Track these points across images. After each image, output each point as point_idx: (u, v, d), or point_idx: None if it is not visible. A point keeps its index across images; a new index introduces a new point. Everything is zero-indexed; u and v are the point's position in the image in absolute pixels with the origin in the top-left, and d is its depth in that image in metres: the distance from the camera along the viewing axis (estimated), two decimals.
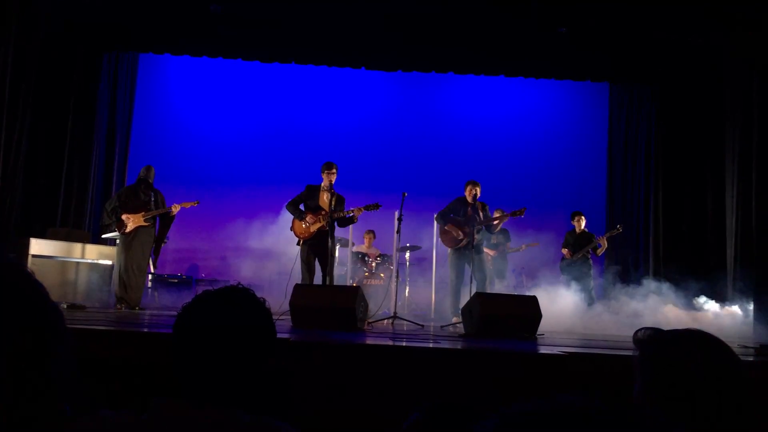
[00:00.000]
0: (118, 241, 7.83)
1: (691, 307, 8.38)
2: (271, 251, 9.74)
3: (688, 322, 7.64)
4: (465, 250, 7.70)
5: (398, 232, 7.33)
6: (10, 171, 8.59)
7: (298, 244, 7.39)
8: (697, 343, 1.43)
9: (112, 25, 9.33)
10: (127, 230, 7.56)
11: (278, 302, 6.24)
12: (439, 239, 8.20)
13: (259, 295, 1.43)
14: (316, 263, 7.34)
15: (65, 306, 6.92)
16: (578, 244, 9.13)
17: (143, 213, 7.61)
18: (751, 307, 8.01)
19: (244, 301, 1.38)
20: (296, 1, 8.86)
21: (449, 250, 7.92)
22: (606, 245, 9.14)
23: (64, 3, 8.97)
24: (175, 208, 7.75)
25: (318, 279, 7.31)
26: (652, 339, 1.48)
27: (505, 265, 9.80)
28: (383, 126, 11.52)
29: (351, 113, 11.60)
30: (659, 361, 1.42)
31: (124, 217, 7.57)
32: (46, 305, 0.97)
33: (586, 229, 9.27)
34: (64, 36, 9.25)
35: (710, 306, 8.41)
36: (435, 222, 8.38)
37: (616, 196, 10.82)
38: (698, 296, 8.53)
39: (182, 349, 1.33)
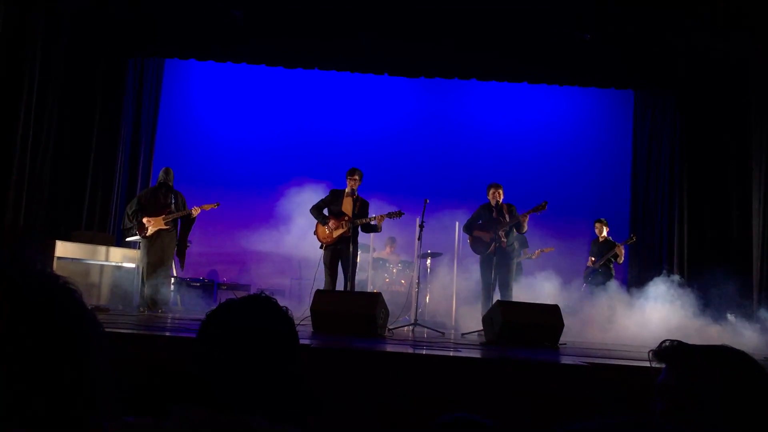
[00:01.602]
0: (140, 244, 7.91)
1: (716, 316, 8.21)
2: (291, 257, 9.78)
3: (712, 332, 7.52)
4: (493, 256, 7.63)
5: (419, 238, 7.32)
6: (37, 174, 8.72)
7: (321, 248, 7.41)
8: (725, 358, 1.41)
9: (139, 30, 9.42)
10: (148, 233, 7.64)
11: (297, 307, 6.25)
12: (467, 247, 8.14)
13: (278, 299, 1.47)
14: (339, 269, 7.35)
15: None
16: (601, 252, 9.04)
17: (163, 216, 7.69)
18: None
19: (267, 309, 1.41)
20: (318, 7, 8.90)
21: (480, 257, 7.87)
22: (622, 254, 9.02)
23: (89, 9, 9.09)
24: (195, 211, 7.83)
25: (340, 285, 7.32)
26: (678, 354, 1.45)
27: (520, 271, 9.56)
28: (406, 133, 11.49)
29: (373, 120, 11.59)
30: (687, 377, 1.40)
31: (144, 220, 7.66)
32: (76, 310, 0.96)
33: (610, 237, 9.17)
34: (90, 41, 9.36)
35: (735, 315, 8.25)
36: (460, 232, 8.31)
37: (640, 203, 10.66)
38: (723, 305, 8.36)
39: (205, 354, 1.35)
